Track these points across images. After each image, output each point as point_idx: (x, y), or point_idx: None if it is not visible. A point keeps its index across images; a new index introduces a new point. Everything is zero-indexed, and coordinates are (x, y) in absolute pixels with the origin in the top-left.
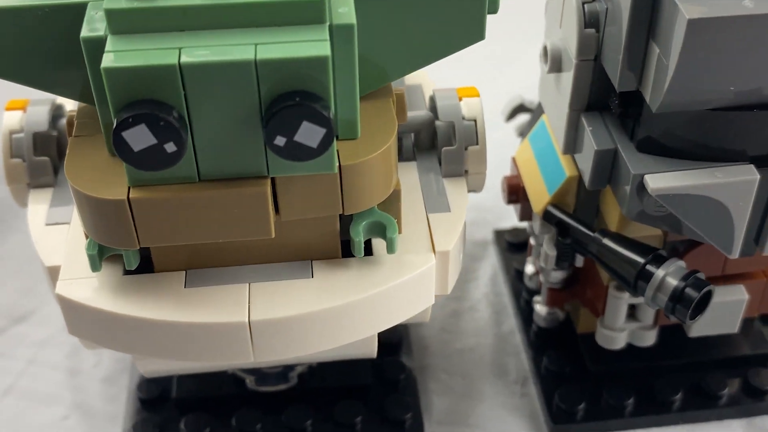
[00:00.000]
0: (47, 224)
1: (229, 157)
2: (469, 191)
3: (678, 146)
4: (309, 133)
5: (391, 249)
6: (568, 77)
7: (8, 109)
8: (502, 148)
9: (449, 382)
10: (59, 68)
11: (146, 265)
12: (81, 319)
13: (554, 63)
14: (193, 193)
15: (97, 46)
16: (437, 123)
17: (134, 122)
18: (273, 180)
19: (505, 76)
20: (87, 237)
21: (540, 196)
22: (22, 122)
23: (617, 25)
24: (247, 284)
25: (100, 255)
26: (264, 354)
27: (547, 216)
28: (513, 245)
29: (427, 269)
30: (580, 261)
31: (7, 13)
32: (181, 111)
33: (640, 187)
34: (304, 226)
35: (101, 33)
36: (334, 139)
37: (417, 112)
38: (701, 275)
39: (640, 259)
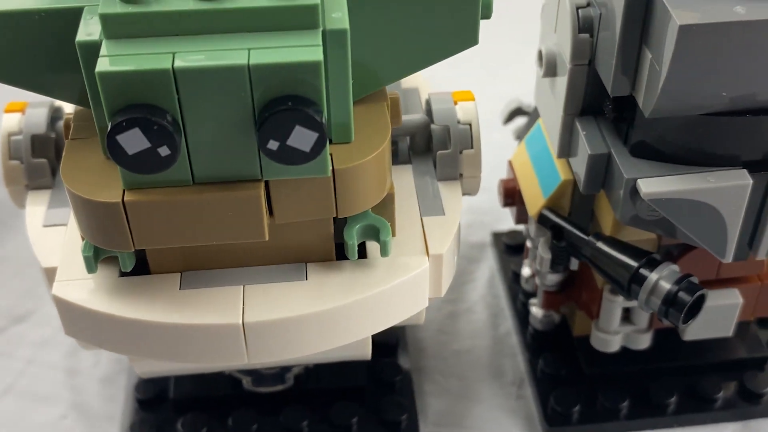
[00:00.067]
0: (45, 226)
1: (223, 161)
2: (464, 194)
3: (671, 151)
4: (301, 138)
5: (384, 252)
6: (562, 82)
7: (7, 111)
8: (501, 151)
9: (445, 384)
10: (56, 72)
11: (142, 266)
12: (77, 320)
13: (549, 67)
14: (188, 196)
15: (92, 50)
16: (432, 127)
17: (128, 126)
18: (267, 183)
19: (504, 79)
20: (83, 239)
21: (535, 200)
22: (20, 124)
23: (611, 30)
24: (242, 286)
25: (96, 257)
26: (258, 356)
27: (542, 219)
28: (510, 248)
29: (421, 272)
30: (574, 264)
31: (4, 17)
32: (174, 115)
33: (633, 192)
34: (298, 229)
35: (96, 37)
36: (327, 143)
37: (413, 116)
38: (694, 279)
39: (634, 263)
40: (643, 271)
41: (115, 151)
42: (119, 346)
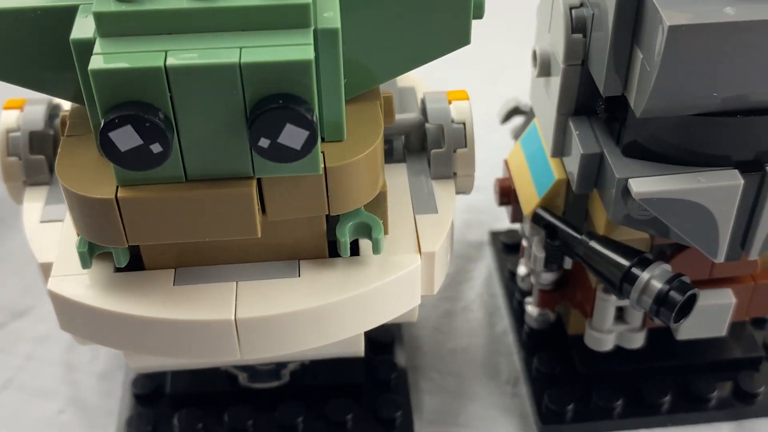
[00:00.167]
0: (42, 221)
1: (215, 158)
2: (458, 193)
3: (663, 151)
4: (292, 136)
5: (376, 249)
6: (556, 81)
7: (6, 108)
8: (500, 151)
9: (441, 382)
10: (52, 69)
11: (137, 262)
12: (72, 315)
13: (543, 67)
14: (180, 193)
15: (86, 48)
16: (427, 125)
17: (120, 123)
18: (259, 181)
19: (504, 80)
20: (78, 235)
21: (530, 199)
22: (18, 121)
23: (603, 31)
24: (235, 283)
25: (91, 253)
26: (251, 351)
27: (535, 218)
28: (508, 246)
29: (413, 270)
30: (568, 263)
31: (0, 15)
32: (167, 112)
33: (625, 191)
34: (291, 226)
35: (90, 35)
36: (318, 141)
37: (407, 115)
38: (686, 278)
39: (626, 262)
40: (634, 270)
41: (107, 148)
42: (113, 341)
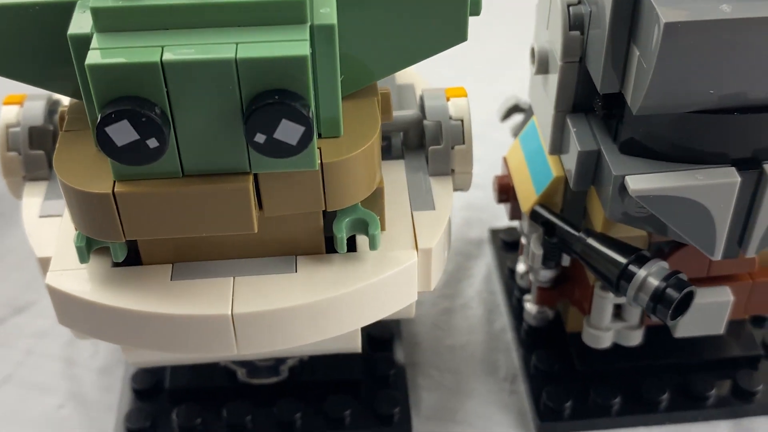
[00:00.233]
0: (41, 216)
1: (212, 153)
2: (456, 190)
3: (660, 148)
4: (288, 131)
5: (373, 245)
6: (554, 79)
7: (6, 103)
8: (500, 149)
9: (439, 379)
10: (51, 64)
11: (135, 257)
12: (70, 310)
13: (541, 64)
14: (177, 188)
15: (84, 43)
16: (425, 122)
17: (117, 118)
18: (256, 176)
19: (505, 78)
20: (77, 229)
21: (528, 196)
22: (18, 116)
23: (600, 28)
24: (232, 278)
25: (88, 247)
26: (247, 346)
27: (533, 215)
28: (508, 244)
29: (410, 266)
30: (566, 260)
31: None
32: (163, 108)
33: (622, 188)
34: (288, 222)
35: (88, 30)
36: (314, 137)
37: (406, 112)
38: (683, 276)
39: (623, 259)
40: (631, 267)
41: (104, 143)
42: (111, 335)
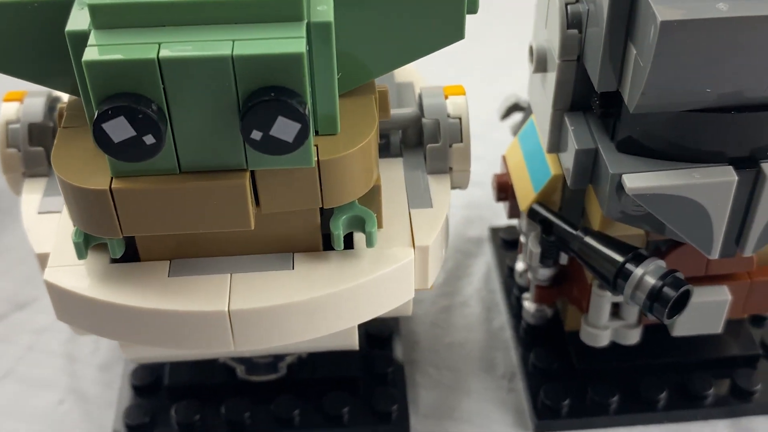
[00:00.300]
0: (40, 213)
1: (209, 150)
2: (454, 188)
3: (657, 147)
4: (284, 128)
5: (370, 243)
6: (552, 77)
7: (6, 100)
8: (501, 148)
9: (437, 376)
10: (49, 61)
11: (133, 254)
12: (68, 306)
13: (539, 63)
14: (174, 185)
15: (81, 40)
16: (423, 120)
17: (113, 114)
18: (253, 173)
19: (507, 77)
20: (75, 225)
21: (526, 194)
22: (18, 113)
23: (598, 27)
24: (229, 274)
25: (86, 243)
26: (244, 343)
27: (531, 214)
28: (508, 242)
29: (406, 263)
30: (564, 259)
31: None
32: (160, 104)
33: (619, 187)
34: (285, 219)
35: (85, 27)
36: (310, 134)
37: (404, 110)
38: (680, 275)
39: (620, 258)
40: (628, 266)
41: (101, 139)
42: (108, 331)
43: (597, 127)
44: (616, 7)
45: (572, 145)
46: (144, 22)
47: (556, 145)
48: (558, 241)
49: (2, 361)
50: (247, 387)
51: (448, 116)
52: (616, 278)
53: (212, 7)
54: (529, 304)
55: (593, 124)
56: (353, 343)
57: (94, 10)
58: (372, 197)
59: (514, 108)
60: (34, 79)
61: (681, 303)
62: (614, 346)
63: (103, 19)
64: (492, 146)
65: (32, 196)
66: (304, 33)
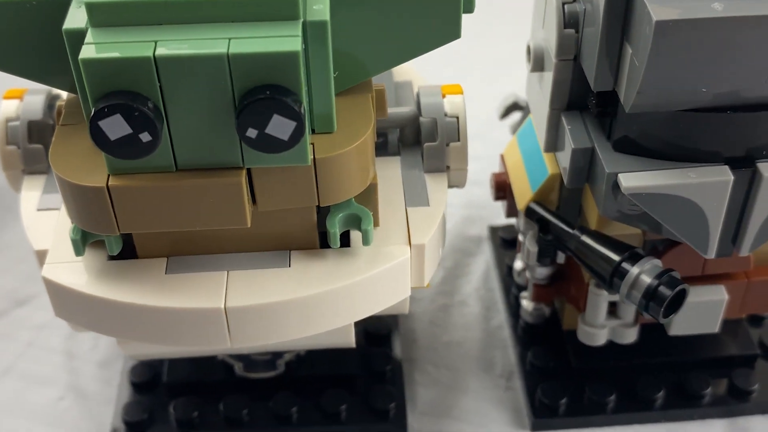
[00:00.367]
0: (39, 210)
1: (205, 148)
2: (451, 187)
3: (653, 146)
4: (280, 126)
5: (366, 241)
6: (549, 76)
7: (6, 97)
8: (501, 147)
9: (435, 375)
10: (48, 59)
11: (130, 251)
12: (66, 302)
13: (537, 62)
14: (170, 182)
15: (79, 38)
16: (421, 119)
17: (109, 112)
18: (250, 171)
19: (506, 77)
20: (72, 222)
21: (524, 193)
22: (18, 110)
23: (594, 26)
24: (226, 272)
25: (84, 240)
26: (240, 340)
27: (529, 212)
28: (507, 241)
29: (403, 261)
30: (561, 258)
31: None
32: (156, 102)
33: (615, 186)
34: (281, 217)
35: (83, 25)
36: (306, 132)
37: (402, 109)
38: (676, 274)
39: (616, 257)
40: (625, 265)
41: (97, 137)
42: (105, 327)
43: (593, 127)
44: (612, 7)
45: (569, 144)
46: (140, 20)
47: (553, 144)
48: (555, 240)
49: (2, 357)
50: (246, 384)
51: (446, 115)
52: (613, 277)
53: (208, 6)
54: (527, 303)
55: (590, 123)
56: (350, 340)
57: (91, 8)
58: (368, 195)
59: (513, 107)
60: (33, 77)
61: (677, 302)
62: (611, 345)
63: (100, 17)
64: (492, 145)
65: (32, 193)
66: (299, 32)
